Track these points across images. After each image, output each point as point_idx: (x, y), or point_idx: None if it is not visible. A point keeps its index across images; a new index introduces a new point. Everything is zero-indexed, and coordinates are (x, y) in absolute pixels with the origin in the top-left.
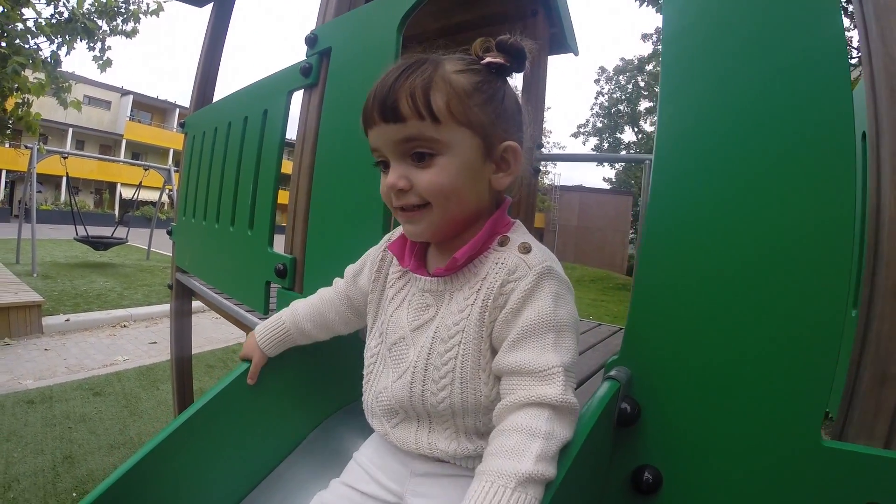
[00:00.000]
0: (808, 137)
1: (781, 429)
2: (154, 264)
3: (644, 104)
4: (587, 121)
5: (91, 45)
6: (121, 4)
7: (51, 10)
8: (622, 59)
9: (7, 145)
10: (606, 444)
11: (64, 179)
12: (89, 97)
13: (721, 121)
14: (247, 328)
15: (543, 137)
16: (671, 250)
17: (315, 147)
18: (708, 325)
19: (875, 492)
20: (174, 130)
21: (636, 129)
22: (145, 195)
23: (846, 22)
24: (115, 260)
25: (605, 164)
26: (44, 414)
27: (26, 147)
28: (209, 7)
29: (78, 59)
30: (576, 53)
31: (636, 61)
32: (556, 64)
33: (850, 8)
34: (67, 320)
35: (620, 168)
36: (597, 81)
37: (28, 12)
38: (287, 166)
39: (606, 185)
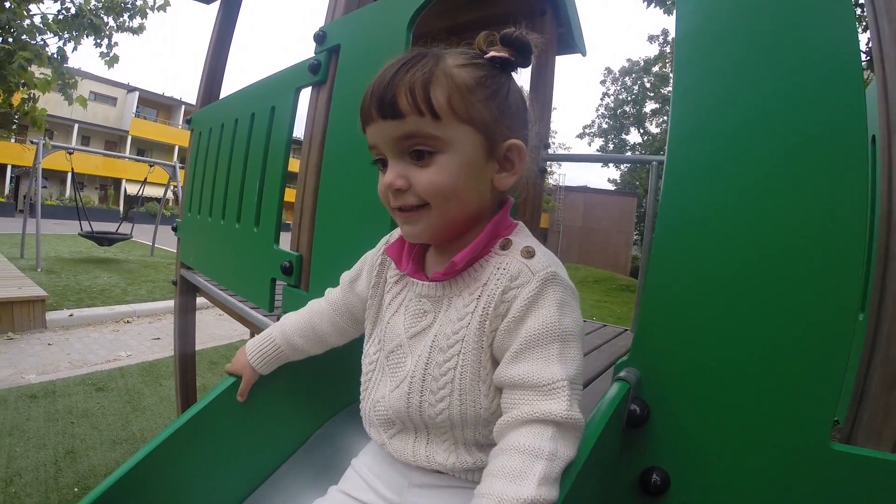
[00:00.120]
0: (821, 138)
1: (790, 432)
2: (158, 260)
3: (650, 106)
4: (593, 121)
5: (98, 41)
6: (127, 0)
7: (58, 6)
8: (628, 60)
9: (13, 140)
10: (615, 445)
11: (69, 175)
12: (95, 93)
13: (733, 120)
14: (251, 325)
15: (549, 138)
16: (682, 251)
17: (323, 145)
18: (718, 326)
19: (883, 496)
20: (180, 127)
21: (641, 131)
22: (150, 191)
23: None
24: (120, 256)
25: (610, 165)
26: (46, 409)
27: (32, 142)
28: (217, 4)
29: (84, 55)
30: (583, 54)
31: (642, 63)
32: (562, 64)
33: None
34: (71, 315)
35: (625, 169)
36: (602, 82)
37: (35, 8)
38: (294, 165)
39: (611, 186)
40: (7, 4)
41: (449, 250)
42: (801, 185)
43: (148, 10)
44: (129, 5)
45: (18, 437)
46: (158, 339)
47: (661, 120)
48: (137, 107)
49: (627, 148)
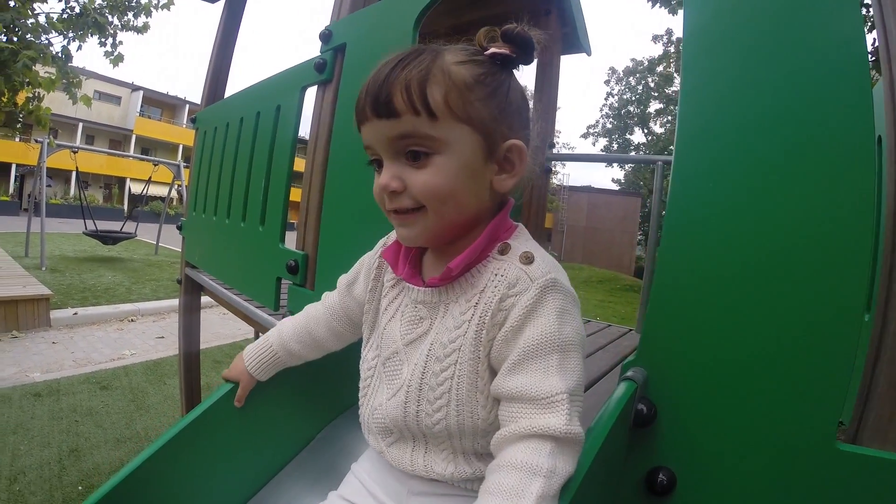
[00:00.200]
0: (828, 138)
1: (796, 431)
2: (162, 259)
3: (654, 106)
4: (597, 121)
5: (102, 40)
6: None
7: (62, 5)
8: (632, 59)
9: (17, 139)
10: (622, 445)
11: (73, 174)
12: (99, 92)
13: (741, 119)
14: (257, 324)
15: (554, 137)
16: (689, 250)
17: (329, 143)
18: (725, 326)
19: (889, 496)
20: (184, 126)
21: (646, 131)
22: (154, 190)
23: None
24: (124, 254)
25: (615, 164)
26: (51, 407)
27: (37, 141)
28: (221, 3)
29: (88, 55)
30: (588, 53)
31: (646, 62)
32: (566, 64)
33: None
34: (75, 314)
35: (629, 169)
36: (607, 82)
37: (39, 7)
38: (299, 164)
39: (615, 186)
40: (11, 3)
41: (447, 254)
42: (807, 185)
43: (152, 9)
44: (133, 4)
45: (23, 435)
46: (162, 337)
47: (665, 120)
48: (142, 106)
49: (632, 148)
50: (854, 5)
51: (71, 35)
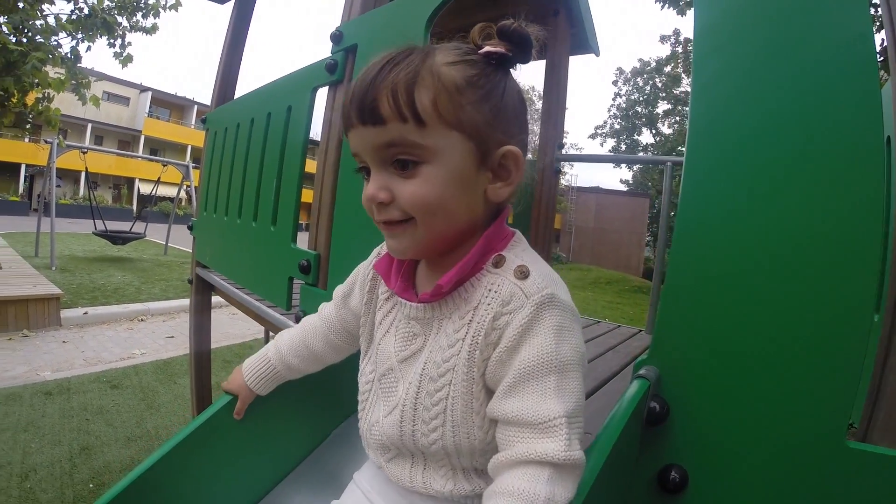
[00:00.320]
0: (837, 138)
1: (806, 430)
2: (171, 259)
3: (662, 106)
4: (605, 122)
5: (111, 41)
6: None
7: (71, 6)
8: (640, 60)
9: (27, 140)
10: (635, 443)
11: (83, 174)
12: (108, 93)
13: (751, 118)
14: (268, 324)
15: (563, 138)
16: (701, 250)
17: (340, 144)
18: (736, 326)
19: None
20: (192, 127)
21: (654, 131)
22: (163, 191)
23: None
24: (133, 255)
25: (623, 165)
26: (61, 405)
27: (46, 142)
28: (230, 4)
29: (97, 56)
30: (597, 54)
31: (654, 63)
32: (573, 64)
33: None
34: (86, 313)
35: (637, 170)
36: (614, 83)
37: (48, 8)
38: (311, 166)
39: (623, 187)
40: (20, 5)
41: (441, 265)
42: (817, 186)
43: (160, 10)
44: (141, 5)
45: (34, 433)
46: (172, 337)
47: (673, 121)
48: (150, 106)
49: (640, 149)
50: (862, 5)
51: (80, 36)
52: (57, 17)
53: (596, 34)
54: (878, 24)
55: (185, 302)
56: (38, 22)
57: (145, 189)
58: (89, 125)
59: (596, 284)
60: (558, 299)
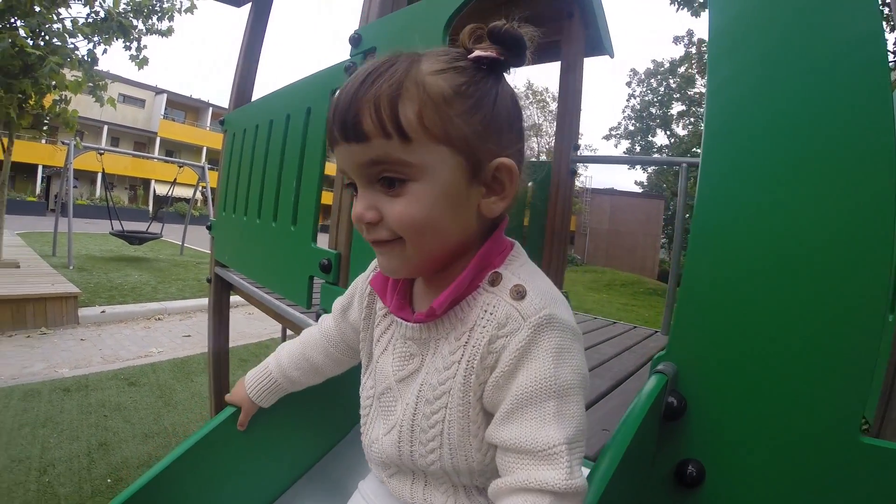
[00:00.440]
0: (850, 138)
1: (821, 425)
2: (188, 259)
3: (676, 108)
4: (619, 123)
5: (127, 43)
6: (155, 2)
7: (87, 9)
8: (653, 61)
9: (44, 141)
10: (653, 437)
11: (99, 175)
12: (124, 95)
13: (767, 119)
14: (288, 322)
15: (578, 139)
16: (718, 250)
17: None
18: (752, 323)
19: None
20: (207, 129)
21: (668, 133)
22: (178, 192)
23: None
24: (150, 254)
25: (637, 167)
26: (79, 402)
27: (63, 143)
28: (247, 7)
29: (112, 59)
30: (611, 55)
31: (667, 64)
32: (587, 66)
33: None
34: (103, 312)
35: (652, 172)
36: (628, 84)
37: (65, 12)
38: (330, 168)
39: (638, 189)
40: (37, 9)
41: (437, 282)
42: (831, 186)
43: (176, 13)
44: (157, 8)
45: (52, 428)
46: (189, 336)
47: (687, 122)
48: (165, 109)
49: (654, 150)
50: (873, 5)
51: (96, 39)
52: (74, 21)
53: (610, 36)
54: (891, 24)
55: (202, 301)
56: (55, 25)
57: (161, 190)
58: (105, 127)
59: (611, 287)
60: (557, 319)
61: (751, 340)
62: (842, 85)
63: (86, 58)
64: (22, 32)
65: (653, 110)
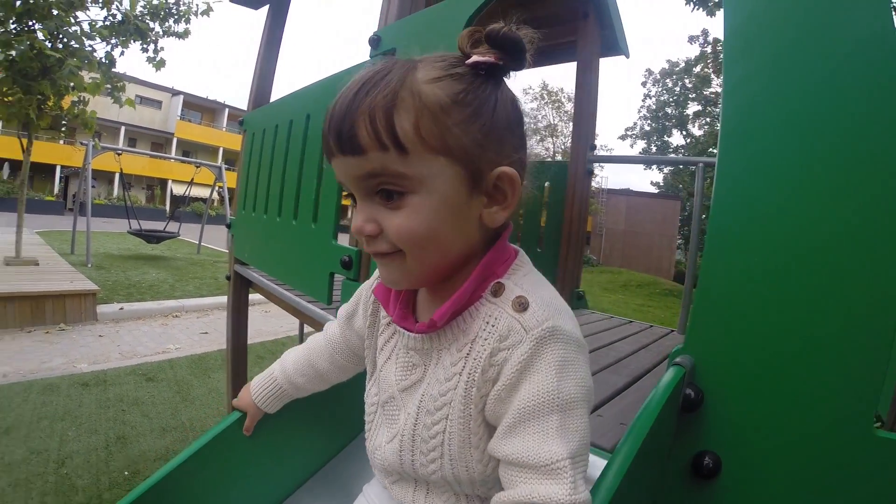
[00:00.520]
0: (868, 136)
1: (835, 418)
2: (205, 258)
3: (692, 107)
4: (634, 124)
5: (144, 45)
6: (171, 5)
7: (104, 12)
8: (668, 61)
9: (62, 142)
10: (670, 428)
11: (117, 175)
12: (141, 97)
13: (783, 118)
14: (307, 318)
15: (594, 139)
16: (736, 245)
17: None
18: (769, 320)
19: None
20: (223, 130)
21: (684, 133)
22: (195, 192)
23: None
24: (167, 253)
25: (653, 167)
26: (98, 396)
27: (81, 144)
28: (264, 9)
29: (129, 61)
30: (627, 55)
31: (683, 64)
32: (602, 66)
33: None
34: (121, 309)
35: (668, 172)
36: (643, 84)
37: (82, 15)
38: None
39: (654, 190)
40: (54, 12)
41: (440, 291)
42: (849, 185)
43: (192, 16)
44: (174, 11)
45: (70, 421)
46: (206, 333)
47: (703, 122)
48: (182, 110)
49: (670, 150)
50: (885, 3)
51: (114, 41)
52: (91, 24)
53: (626, 36)
54: None
55: (219, 299)
56: (72, 28)
57: (178, 190)
58: (122, 128)
59: (626, 287)
60: (561, 331)
61: (767, 336)
62: (857, 83)
63: (104, 60)
64: (40, 35)
65: (668, 110)
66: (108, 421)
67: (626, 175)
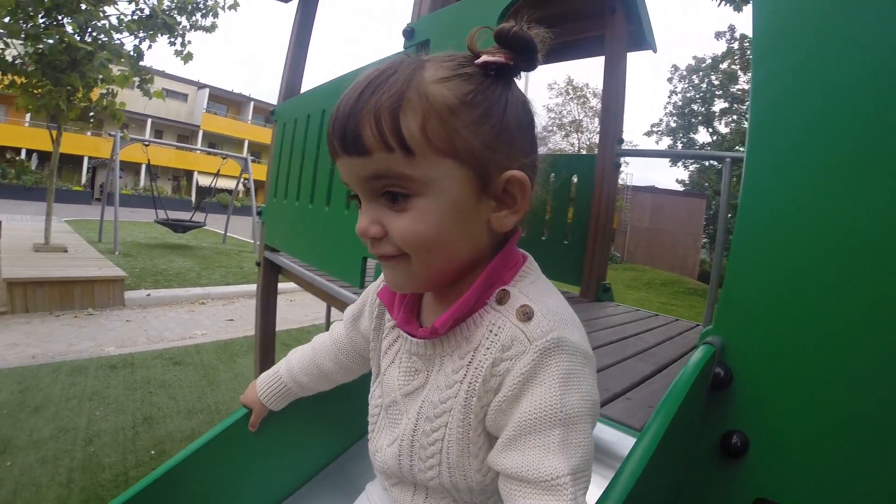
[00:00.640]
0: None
1: (864, 405)
2: (230, 248)
3: (719, 104)
4: (661, 120)
5: (172, 39)
6: (198, 0)
7: (132, 7)
8: (694, 57)
9: (89, 134)
10: (700, 406)
11: (144, 166)
12: (167, 90)
13: (812, 115)
14: (338, 302)
15: (622, 133)
16: (766, 229)
17: None
18: (798, 300)
19: None
20: (249, 122)
21: (710, 130)
22: (221, 183)
23: None
24: (193, 242)
25: (679, 165)
26: (125, 378)
27: (109, 135)
28: (294, 3)
29: (156, 54)
30: (654, 50)
31: (709, 60)
32: (628, 62)
33: None
34: (148, 295)
35: (694, 170)
36: (670, 80)
37: (110, 9)
38: None
39: (679, 187)
40: (83, 6)
41: (446, 296)
42: (879, 182)
43: (219, 10)
44: (200, 5)
45: (98, 401)
46: (232, 320)
47: (730, 119)
48: (208, 103)
49: (696, 147)
50: None
51: (142, 35)
52: (120, 18)
53: (653, 30)
54: None
55: (245, 287)
56: (101, 22)
57: (203, 181)
58: (149, 120)
59: (650, 285)
60: (566, 342)
61: (796, 317)
62: (886, 83)
63: (132, 53)
64: (69, 28)
65: (695, 107)
66: (135, 402)
67: (650, 172)
